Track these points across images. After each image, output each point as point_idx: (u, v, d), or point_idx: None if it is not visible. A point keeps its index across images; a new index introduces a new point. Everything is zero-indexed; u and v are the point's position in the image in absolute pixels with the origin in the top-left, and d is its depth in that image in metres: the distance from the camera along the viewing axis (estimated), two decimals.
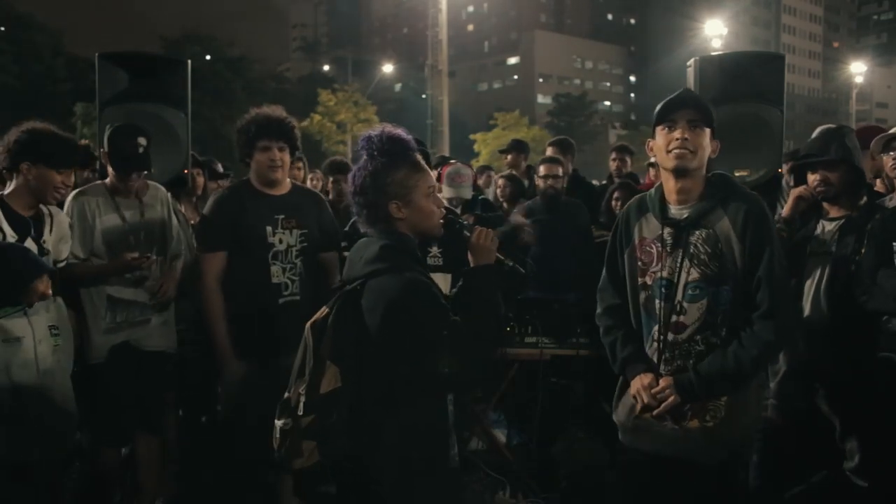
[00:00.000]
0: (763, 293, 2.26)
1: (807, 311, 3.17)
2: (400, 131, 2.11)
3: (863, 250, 2.98)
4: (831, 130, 3.24)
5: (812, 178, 3.17)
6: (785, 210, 3.37)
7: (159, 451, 3.61)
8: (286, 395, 2.04)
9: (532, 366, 3.91)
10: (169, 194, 3.72)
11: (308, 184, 6.38)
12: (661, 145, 2.34)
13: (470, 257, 2.11)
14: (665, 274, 2.36)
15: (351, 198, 2.12)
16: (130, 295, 3.40)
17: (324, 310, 2.05)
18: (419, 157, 2.15)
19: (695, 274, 2.32)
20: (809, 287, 3.19)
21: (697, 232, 2.32)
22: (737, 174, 3.94)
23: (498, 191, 5.70)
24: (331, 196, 5.15)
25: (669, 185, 2.39)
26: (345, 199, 5.11)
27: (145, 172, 3.46)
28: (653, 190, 2.50)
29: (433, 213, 2.12)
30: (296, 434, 1.96)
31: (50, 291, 2.76)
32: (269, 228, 3.29)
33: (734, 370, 2.28)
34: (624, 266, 2.51)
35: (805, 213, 3.29)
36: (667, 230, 2.38)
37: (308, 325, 2.04)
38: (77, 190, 3.44)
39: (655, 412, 2.37)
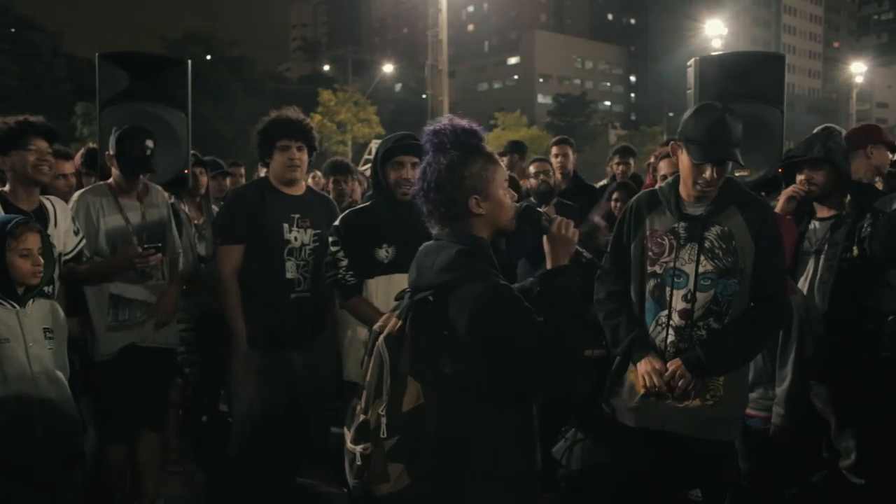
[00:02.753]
0: (770, 286, 2.50)
1: None
2: (469, 122, 2.01)
3: (854, 248, 3.06)
4: (818, 132, 3.35)
5: (799, 178, 3.30)
6: (777, 209, 3.42)
7: (161, 450, 3.61)
8: (362, 417, 1.88)
9: None
10: (171, 196, 3.73)
11: (310, 183, 6.40)
12: (688, 171, 2.51)
13: (547, 249, 2.00)
14: (678, 264, 2.52)
15: (420, 196, 1.99)
16: (133, 293, 3.40)
17: (396, 322, 1.90)
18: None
19: (708, 266, 2.50)
20: (802, 285, 3.24)
21: (713, 228, 2.51)
22: (737, 174, 3.95)
23: None
24: (331, 196, 5.14)
25: (690, 191, 2.54)
26: (346, 199, 5.12)
27: (150, 175, 3.49)
28: (665, 186, 2.64)
29: (510, 206, 2.01)
30: (380, 458, 1.82)
31: (37, 246, 2.67)
32: (285, 225, 3.39)
33: (740, 349, 2.50)
34: (630, 255, 2.63)
35: (796, 212, 3.36)
36: (682, 224, 2.53)
37: (381, 339, 1.90)
38: (81, 190, 3.46)
39: (675, 395, 2.49)
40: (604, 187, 5.93)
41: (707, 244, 2.49)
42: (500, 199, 1.98)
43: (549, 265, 2.00)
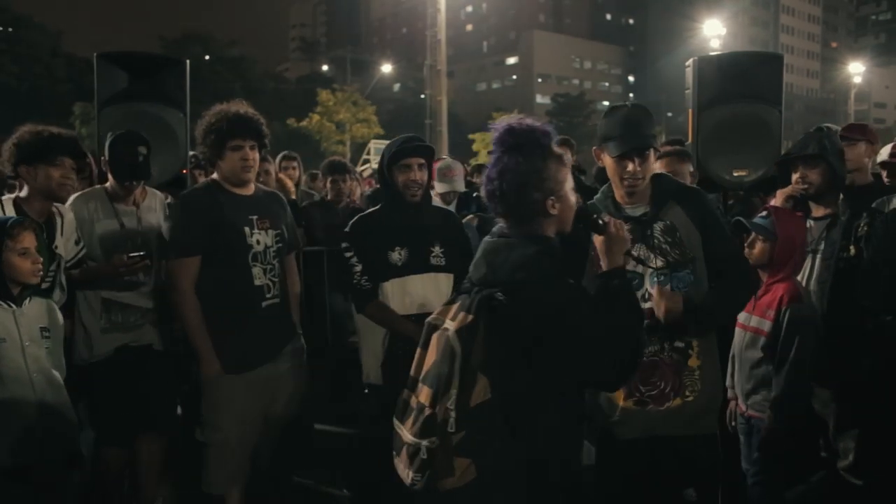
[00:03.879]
0: (729, 264, 2.53)
1: None
2: (538, 122, 2.04)
3: (851, 247, 3.06)
4: (813, 131, 3.39)
5: (794, 177, 3.30)
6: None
7: (162, 452, 3.60)
8: (428, 411, 1.87)
9: None
10: (167, 196, 3.72)
11: (314, 184, 6.40)
12: (613, 169, 2.53)
13: (603, 249, 2.10)
14: (631, 266, 2.50)
15: (495, 196, 1.99)
16: (127, 298, 3.34)
17: (465, 315, 1.91)
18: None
19: (659, 262, 2.52)
20: None
21: (656, 225, 2.53)
22: (735, 174, 3.96)
23: None
24: (329, 196, 5.15)
25: (621, 191, 2.57)
26: (344, 198, 5.12)
27: (144, 181, 3.43)
28: (600, 195, 2.66)
29: (574, 207, 2.06)
30: (447, 452, 1.83)
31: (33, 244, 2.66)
32: (246, 229, 3.14)
33: (721, 306, 2.52)
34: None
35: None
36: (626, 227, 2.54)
37: (452, 332, 1.89)
38: (77, 194, 3.43)
39: (663, 319, 2.46)
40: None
41: (655, 241, 2.52)
42: (570, 199, 2.03)
43: (605, 266, 2.10)
